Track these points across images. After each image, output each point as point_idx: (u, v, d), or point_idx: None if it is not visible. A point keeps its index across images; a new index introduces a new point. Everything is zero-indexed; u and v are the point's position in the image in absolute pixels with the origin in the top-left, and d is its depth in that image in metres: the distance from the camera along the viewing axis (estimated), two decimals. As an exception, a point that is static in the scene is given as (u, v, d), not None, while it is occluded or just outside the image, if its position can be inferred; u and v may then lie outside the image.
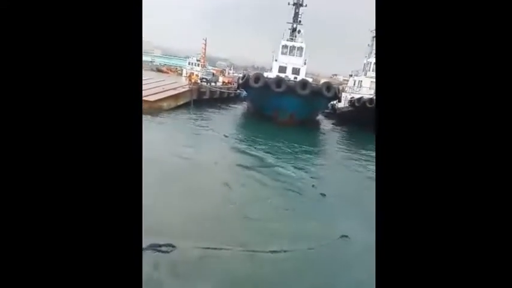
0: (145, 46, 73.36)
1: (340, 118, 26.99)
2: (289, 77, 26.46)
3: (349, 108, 26.46)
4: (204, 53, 42.36)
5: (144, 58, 66.08)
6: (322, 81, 28.72)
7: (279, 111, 22.45)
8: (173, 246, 5.89)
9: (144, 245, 5.59)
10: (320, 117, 30.32)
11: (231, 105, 31.08)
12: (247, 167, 11.95)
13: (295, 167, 12.66)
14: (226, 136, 17.02)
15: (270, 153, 14.27)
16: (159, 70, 52.92)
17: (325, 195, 9.64)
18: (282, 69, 28.74)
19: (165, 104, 20.86)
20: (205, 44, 42.57)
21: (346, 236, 6.89)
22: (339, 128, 26.26)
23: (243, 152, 14.19)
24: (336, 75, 73.98)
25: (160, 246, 5.83)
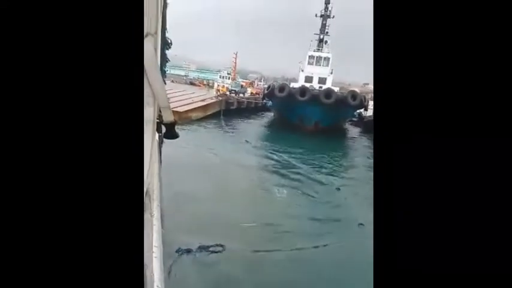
0: (179, 61, 76.21)
1: (367, 126, 26.77)
2: (315, 86, 26.79)
3: (376, 116, 26.13)
4: (235, 67, 43.53)
5: (178, 72, 68.38)
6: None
7: (303, 119, 22.81)
8: (222, 246, 6.04)
9: (194, 247, 5.84)
10: (347, 125, 30.26)
11: (259, 114, 31.94)
12: (269, 171, 12.64)
13: (314, 170, 13.14)
14: (247, 141, 17.87)
15: (288, 157, 14.85)
16: (191, 83, 54.82)
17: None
18: (308, 79, 29.12)
19: (193, 115, 21.94)
20: (235, 58, 43.88)
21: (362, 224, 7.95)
22: (365, 135, 26.09)
23: (265, 156, 14.87)
24: (367, 84, 72.55)
25: (209, 247, 5.98)
